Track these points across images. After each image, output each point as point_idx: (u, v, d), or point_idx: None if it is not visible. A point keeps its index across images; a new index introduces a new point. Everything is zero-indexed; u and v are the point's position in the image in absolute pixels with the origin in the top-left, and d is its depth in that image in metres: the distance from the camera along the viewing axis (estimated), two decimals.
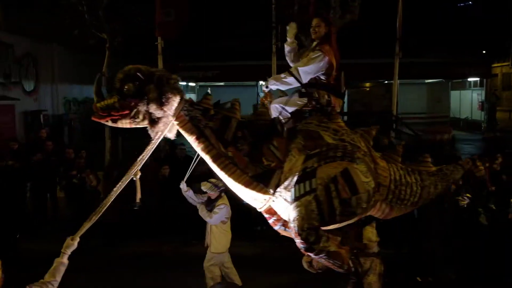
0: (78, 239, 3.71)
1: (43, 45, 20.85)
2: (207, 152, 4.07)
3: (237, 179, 4.07)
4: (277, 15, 13.47)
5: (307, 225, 3.73)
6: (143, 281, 7.68)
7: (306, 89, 4.67)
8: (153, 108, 3.86)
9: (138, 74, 3.81)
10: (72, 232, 3.80)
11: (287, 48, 5.22)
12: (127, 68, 3.91)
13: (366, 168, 3.90)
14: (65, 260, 3.59)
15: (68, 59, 22.08)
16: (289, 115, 4.66)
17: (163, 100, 3.85)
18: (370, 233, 5.14)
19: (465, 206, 5.89)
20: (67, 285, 3.74)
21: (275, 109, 4.75)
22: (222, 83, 32.88)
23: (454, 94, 29.70)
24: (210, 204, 6.46)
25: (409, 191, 4.16)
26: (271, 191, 4.05)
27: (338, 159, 3.86)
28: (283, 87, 5.01)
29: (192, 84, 34.80)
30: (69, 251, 3.63)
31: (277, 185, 4.02)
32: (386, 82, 24.28)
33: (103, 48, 13.62)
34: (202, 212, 6.42)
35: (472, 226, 7.31)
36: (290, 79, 4.80)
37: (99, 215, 3.86)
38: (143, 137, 4.18)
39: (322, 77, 4.88)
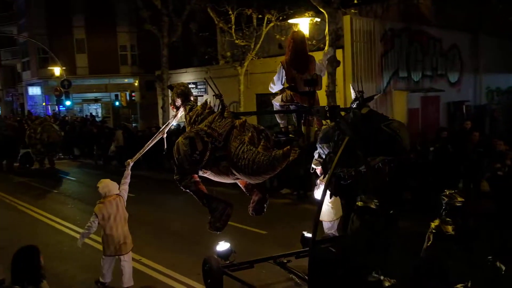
0: (132, 162, 7.47)
1: (468, 36, 20.94)
2: (186, 127, 6.72)
3: None
4: None
5: (175, 170, 6.34)
6: None
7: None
8: (174, 104, 6.96)
9: (170, 88, 7.20)
10: None
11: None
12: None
13: (188, 141, 5.99)
14: (128, 172, 7.50)
15: (493, 48, 21.37)
16: (278, 107, 7.19)
17: (174, 100, 6.93)
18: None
19: None
20: None
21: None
22: None
23: None
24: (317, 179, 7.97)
25: (244, 164, 5.61)
26: None
27: (182, 135, 6.24)
28: (273, 90, 7.32)
29: None
30: (129, 168, 7.47)
31: None
32: None
33: None
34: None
35: None
36: (273, 84, 7.20)
37: (146, 150, 7.40)
38: None
39: (286, 81, 6.98)
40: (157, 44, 22.04)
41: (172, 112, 7.28)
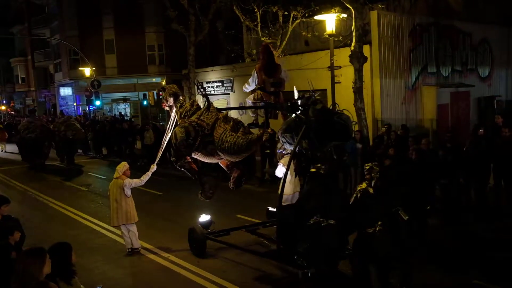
0: (155, 166, 8.81)
1: (499, 29, 20.41)
2: (178, 120, 8.20)
3: None
4: None
5: (172, 153, 8.07)
6: None
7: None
8: (167, 102, 8.56)
9: (162, 89, 8.93)
10: None
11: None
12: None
13: (183, 129, 7.62)
14: (149, 173, 8.72)
15: None
16: (251, 104, 8.95)
17: (167, 100, 8.51)
18: None
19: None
20: None
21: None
22: None
23: None
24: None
25: (227, 146, 7.14)
26: None
27: (178, 125, 7.97)
28: (247, 90, 9.14)
29: None
30: (152, 171, 8.72)
31: None
32: None
33: None
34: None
35: None
36: (248, 85, 9.03)
37: (162, 150, 8.72)
38: None
39: (257, 83, 8.73)
40: (184, 43, 22.23)
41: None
